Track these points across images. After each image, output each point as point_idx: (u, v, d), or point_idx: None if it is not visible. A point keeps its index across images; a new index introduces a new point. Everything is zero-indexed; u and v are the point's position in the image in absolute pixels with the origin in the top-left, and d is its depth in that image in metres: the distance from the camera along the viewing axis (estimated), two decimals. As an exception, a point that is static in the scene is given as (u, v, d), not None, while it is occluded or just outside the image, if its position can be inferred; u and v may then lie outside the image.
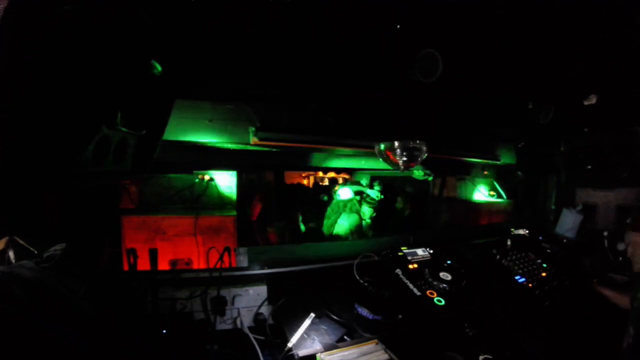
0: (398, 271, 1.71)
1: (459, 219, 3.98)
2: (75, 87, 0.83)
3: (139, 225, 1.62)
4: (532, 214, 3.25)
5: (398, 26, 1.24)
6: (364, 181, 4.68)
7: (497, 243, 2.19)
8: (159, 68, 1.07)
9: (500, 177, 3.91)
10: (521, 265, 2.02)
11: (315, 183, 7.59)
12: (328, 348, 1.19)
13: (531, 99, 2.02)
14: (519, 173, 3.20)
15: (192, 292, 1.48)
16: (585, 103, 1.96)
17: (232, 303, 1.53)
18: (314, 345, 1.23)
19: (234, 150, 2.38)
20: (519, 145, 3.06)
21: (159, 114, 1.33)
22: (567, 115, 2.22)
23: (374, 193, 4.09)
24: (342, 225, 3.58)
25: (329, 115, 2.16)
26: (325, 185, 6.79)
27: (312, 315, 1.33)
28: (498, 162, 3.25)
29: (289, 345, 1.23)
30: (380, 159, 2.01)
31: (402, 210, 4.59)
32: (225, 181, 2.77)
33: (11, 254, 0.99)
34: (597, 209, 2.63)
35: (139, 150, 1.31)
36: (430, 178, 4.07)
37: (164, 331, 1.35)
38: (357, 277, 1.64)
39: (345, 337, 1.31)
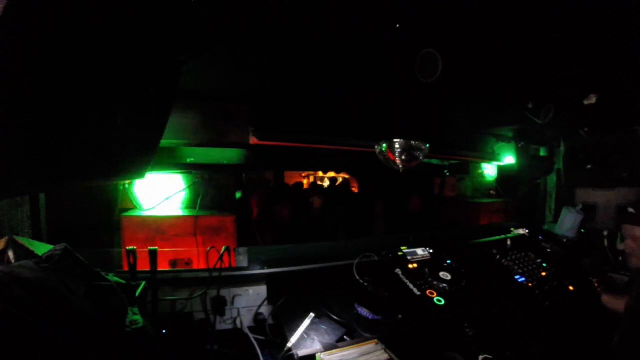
0: (398, 271, 1.71)
1: (459, 218, 3.97)
2: (74, 86, 0.83)
3: (139, 225, 1.62)
4: (532, 214, 3.25)
5: (397, 26, 1.24)
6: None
7: (497, 243, 2.19)
8: None
9: (500, 176, 3.90)
10: (521, 265, 2.02)
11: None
12: (328, 348, 1.19)
13: (531, 99, 2.02)
14: (519, 173, 3.20)
15: (192, 292, 1.48)
16: (585, 103, 1.96)
17: (232, 303, 1.53)
18: (313, 345, 1.23)
19: (234, 150, 2.38)
20: (519, 145, 3.06)
21: (159, 113, 1.33)
22: (567, 115, 2.22)
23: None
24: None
25: (329, 115, 2.16)
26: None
27: (312, 315, 1.34)
28: (498, 162, 3.25)
29: (289, 345, 1.23)
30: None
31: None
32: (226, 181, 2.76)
33: (11, 254, 0.99)
34: (597, 209, 2.62)
35: (139, 150, 1.31)
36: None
37: (164, 331, 1.35)
38: (357, 277, 1.64)
39: (345, 337, 1.31)
